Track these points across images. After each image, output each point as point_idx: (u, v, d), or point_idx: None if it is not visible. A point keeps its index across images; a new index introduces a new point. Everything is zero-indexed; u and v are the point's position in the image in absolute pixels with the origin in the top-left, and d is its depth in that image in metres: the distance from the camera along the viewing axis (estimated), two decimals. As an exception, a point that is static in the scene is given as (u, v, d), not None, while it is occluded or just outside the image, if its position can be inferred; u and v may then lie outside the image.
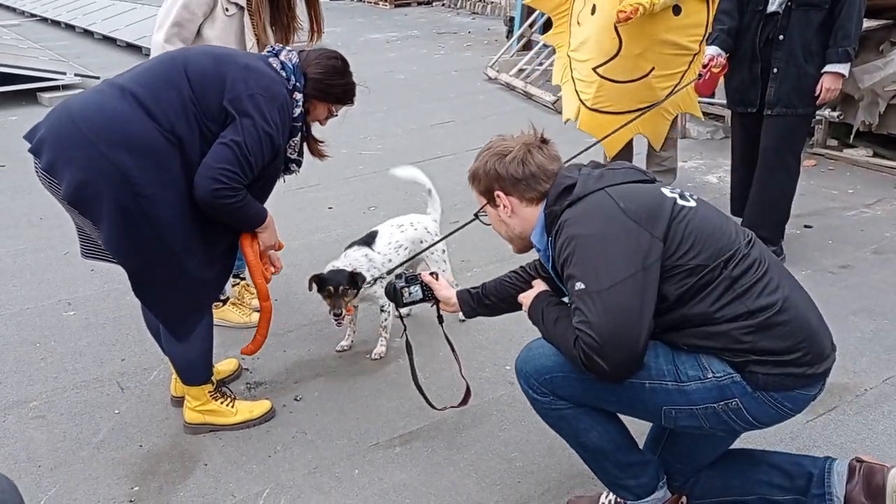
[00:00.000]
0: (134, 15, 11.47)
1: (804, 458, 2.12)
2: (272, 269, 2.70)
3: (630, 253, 1.79)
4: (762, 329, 1.81)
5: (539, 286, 2.12)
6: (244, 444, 2.67)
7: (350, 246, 3.17)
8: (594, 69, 3.97)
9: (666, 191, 1.93)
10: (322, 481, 2.49)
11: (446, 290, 2.44)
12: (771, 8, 3.60)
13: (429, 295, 2.43)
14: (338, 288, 2.91)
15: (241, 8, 2.99)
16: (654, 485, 2.08)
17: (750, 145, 3.94)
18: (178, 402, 2.83)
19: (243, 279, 3.57)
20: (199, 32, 2.97)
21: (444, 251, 3.33)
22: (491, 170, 2.03)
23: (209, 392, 2.72)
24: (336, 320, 2.93)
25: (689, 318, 1.84)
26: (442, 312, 2.48)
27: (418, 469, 2.53)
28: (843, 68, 3.55)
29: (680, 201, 1.90)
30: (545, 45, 7.84)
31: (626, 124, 3.74)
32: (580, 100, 4.11)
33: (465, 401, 2.54)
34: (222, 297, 3.44)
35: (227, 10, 2.96)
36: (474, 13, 13.52)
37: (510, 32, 9.25)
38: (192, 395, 2.72)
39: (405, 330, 2.58)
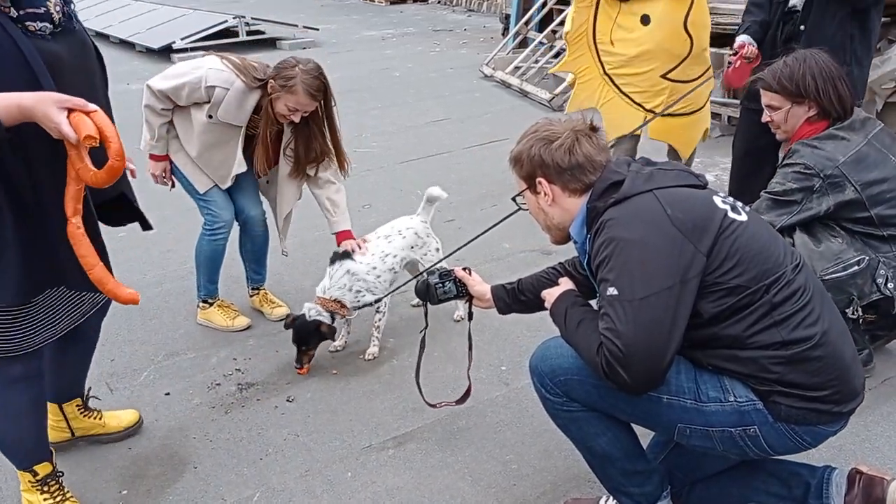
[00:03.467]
0: (127, 11, 11.41)
1: (803, 467, 2.08)
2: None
3: (670, 264, 1.69)
4: (794, 362, 1.74)
5: (565, 284, 2.05)
6: (235, 447, 2.63)
7: (333, 261, 3.12)
8: (664, 76, 3.95)
9: (717, 200, 1.82)
10: (314, 484, 2.45)
11: (480, 286, 2.37)
12: (792, 2, 3.55)
13: (462, 291, 2.37)
14: (300, 346, 2.99)
15: (235, 126, 2.97)
16: (657, 494, 2.04)
17: (755, 141, 3.90)
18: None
19: (262, 290, 3.55)
20: (188, 109, 2.99)
21: (438, 249, 3.29)
22: (535, 155, 1.91)
23: (29, 482, 2.29)
24: (297, 369, 3.02)
25: (720, 338, 1.77)
26: (473, 309, 2.42)
27: (412, 472, 2.49)
28: None
29: (731, 214, 1.79)
30: (541, 43, 7.82)
31: (643, 123, 3.80)
32: (647, 109, 4.07)
33: (462, 399, 2.49)
34: (210, 301, 3.40)
35: (210, 116, 2.94)
36: (470, 10, 13.47)
37: (506, 30, 9.22)
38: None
39: (426, 327, 2.50)
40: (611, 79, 4.15)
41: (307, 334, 2.97)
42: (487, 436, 2.65)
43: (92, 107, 1.77)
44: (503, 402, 2.82)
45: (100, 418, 2.64)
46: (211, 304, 3.40)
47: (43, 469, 2.29)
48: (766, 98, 2.70)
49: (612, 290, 1.72)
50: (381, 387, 2.95)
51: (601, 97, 4.26)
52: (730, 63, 3.72)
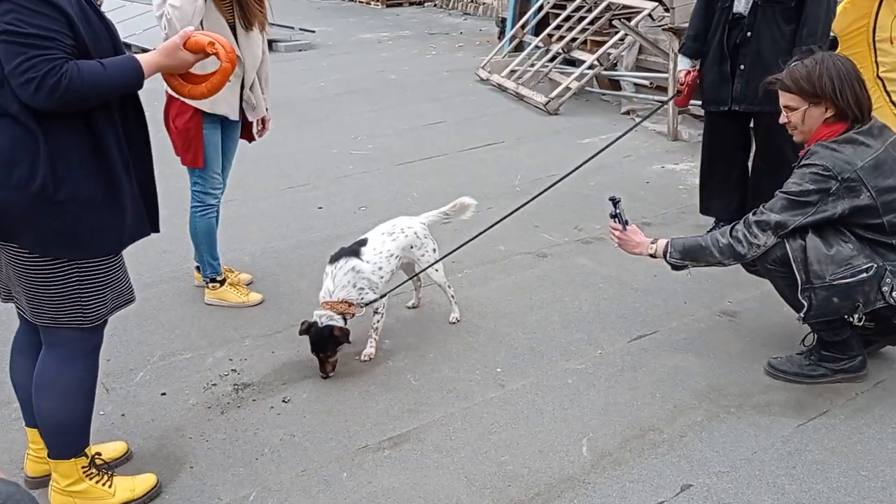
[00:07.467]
0: (123, 13, 11.40)
1: None
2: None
3: None
4: None
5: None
6: (231, 447, 2.64)
7: (336, 259, 3.12)
8: None
9: None
10: (310, 484, 2.46)
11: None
12: (737, 9, 3.62)
13: None
14: (318, 354, 2.99)
15: None
16: None
17: (720, 145, 3.95)
18: (36, 483, 2.38)
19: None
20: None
21: (434, 250, 3.31)
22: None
23: (83, 467, 2.26)
24: (322, 376, 3.02)
25: None
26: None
27: (407, 472, 2.50)
28: None
29: None
30: (537, 47, 7.84)
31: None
32: None
33: None
34: (219, 278, 3.47)
35: None
36: (466, 14, 13.50)
37: (502, 33, 9.24)
38: (60, 473, 2.24)
39: None
40: (883, 83, 3.69)
41: (323, 340, 2.96)
42: (483, 437, 2.66)
43: (187, 32, 2.11)
44: (498, 404, 2.83)
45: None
46: (221, 284, 3.45)
47: (89, 451, 2.31)
48: (784, 99, 2.71)
49: None
50: (377, 388, 2.96)
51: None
52: (679, 92, 3.94)
